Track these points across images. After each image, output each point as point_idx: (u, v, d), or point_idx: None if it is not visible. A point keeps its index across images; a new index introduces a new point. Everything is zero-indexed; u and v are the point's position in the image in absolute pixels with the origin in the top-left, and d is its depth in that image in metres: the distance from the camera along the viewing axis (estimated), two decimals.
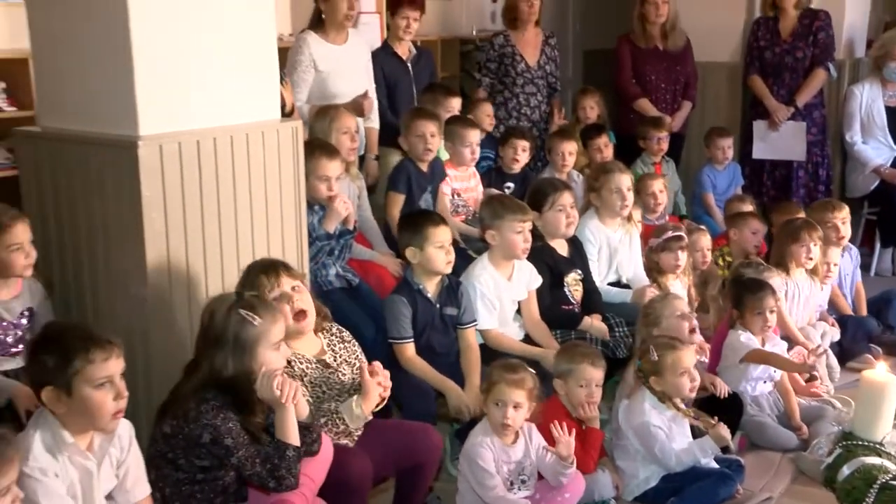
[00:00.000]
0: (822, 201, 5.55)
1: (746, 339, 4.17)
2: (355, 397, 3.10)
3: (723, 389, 3.98)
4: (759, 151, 6.64)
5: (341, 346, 3.35)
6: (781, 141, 6.53)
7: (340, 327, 3.43)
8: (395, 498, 3.38)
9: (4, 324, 3.21)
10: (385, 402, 3.17)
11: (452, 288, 3.88)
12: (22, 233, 3.18)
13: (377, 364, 3.16)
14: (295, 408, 2.82)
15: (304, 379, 3.13)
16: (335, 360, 3.29)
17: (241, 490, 2.86)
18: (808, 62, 6.49)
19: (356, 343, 3.42)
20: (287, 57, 4.98)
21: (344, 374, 3.28)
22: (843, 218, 5.13)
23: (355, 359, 3.36)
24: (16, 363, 3.16)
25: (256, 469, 2.73)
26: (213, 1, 3.25)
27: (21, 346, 3.19)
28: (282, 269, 3.20)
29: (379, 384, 3.10)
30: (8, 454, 2.28)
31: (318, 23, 5.17)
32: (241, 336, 2.77)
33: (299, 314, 3.17)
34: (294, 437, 2.79)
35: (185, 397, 2.76)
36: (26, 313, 3.26)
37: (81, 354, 2.47)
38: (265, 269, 3.16)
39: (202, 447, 2.72)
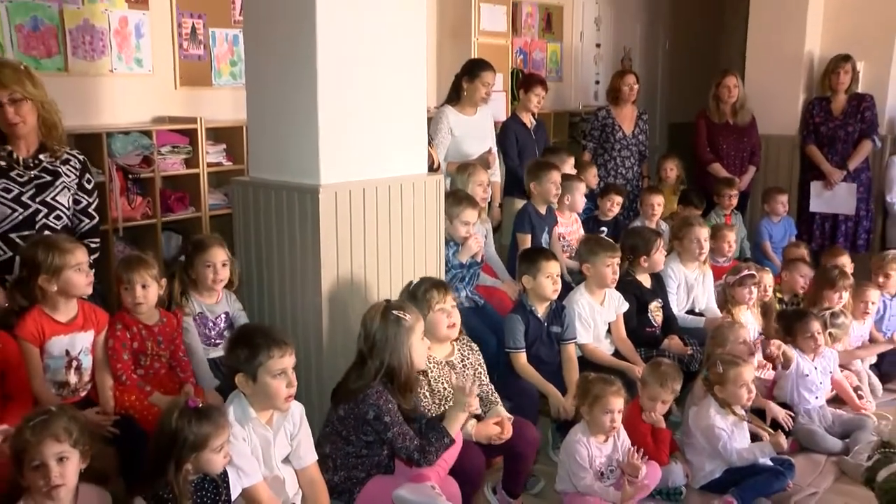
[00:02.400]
0: (884, 253, 5.18)
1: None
2: (473, 420, 3.03)
3: (776, 413, 3.80)
4: (815, 206, 6.34)
5: (469, 352, 3.32)
6: (835, 198, 6.26)
7: (469, 339, 3.40)
8: (504, 476, 3.30)
9: (209, 321, 3.29)
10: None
11: (558, 310, 3.81)
12: (215, 255, 3.24)
13: (509, 424, 3.07)
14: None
15: (430, 374, 3.10)
16: (462, 363, 3.25)
17: (391, 464, 2.86)
18: (856, 135, 6.21)
19: (480, 353, 3.38)
20: (430, 125, 5.01)
21: (466, 377, 3.23)
22: None
23: (479, 365, 3.32)
24: (218, 353, 3.24)
25: (406, 443, 2.73)
26: (378, 84, 3.31)
27: (220, 341, 3.27)
28: (448, 288, 3.21)
29: (498, 434, 3.03)
30: (222, 421, 2.40)
31: (454, 98, 5.20)
32: (397, 331, 2.78)
33: (452, 325, 3.17)
34: (455, 432, 2.81)
35: (358, 389, 2.76)
36: (223, 316, 3.33)
37: (264, 351, 2.54)
38: (436, 286, 3.16)
39: (368, 423, 2.73)
